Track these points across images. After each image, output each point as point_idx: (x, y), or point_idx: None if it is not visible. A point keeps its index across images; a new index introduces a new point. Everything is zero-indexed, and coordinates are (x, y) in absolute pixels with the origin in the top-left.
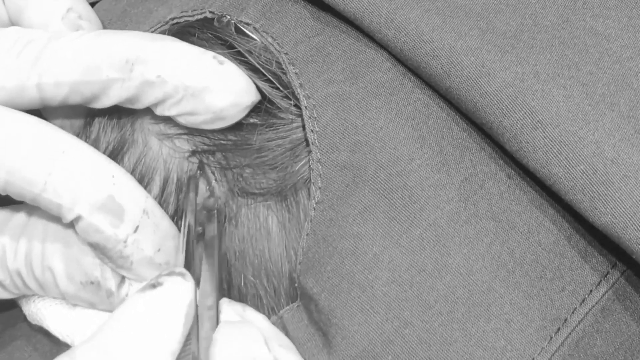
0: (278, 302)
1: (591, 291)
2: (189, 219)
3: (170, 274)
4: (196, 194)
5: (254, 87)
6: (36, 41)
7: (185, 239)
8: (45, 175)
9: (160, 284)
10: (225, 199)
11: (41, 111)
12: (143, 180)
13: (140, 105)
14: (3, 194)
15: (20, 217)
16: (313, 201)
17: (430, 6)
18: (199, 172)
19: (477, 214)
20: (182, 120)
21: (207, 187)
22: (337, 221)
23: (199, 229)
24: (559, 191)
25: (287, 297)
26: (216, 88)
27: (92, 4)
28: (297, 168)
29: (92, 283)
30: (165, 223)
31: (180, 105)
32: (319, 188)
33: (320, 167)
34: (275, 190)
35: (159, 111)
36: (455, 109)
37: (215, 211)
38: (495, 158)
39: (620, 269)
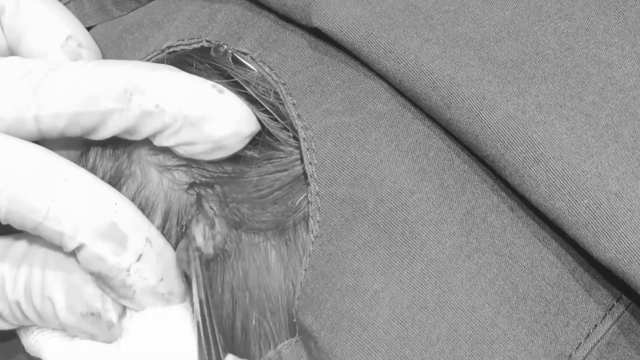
0: (281, 337)
1: (596, 325)
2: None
3: None
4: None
5: (254, 116)
6: (35, 72)
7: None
8: (48, 203)
9: None
10: (226, 234)
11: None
12: (143, 212)
13: (138, 136)
14: (4, 222)
15: (20, 245)
16: (312, 235)
17: (429, 36)
18: (197, 212)
19: (479, 248)
20: (181, 150)
21: (207, 225)
22: (336, 256)
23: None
24: (562, 225)
25: (289, 332)
26: (215, 117)
27: (88, 28)
28: (296, 202)
29: (92, 314)
30: (168, 252)
31: (179, 135)
32: (318, 222)
33: (318, 201)
34: (274, 224)
35: (157, 142)
36: (456, 141)
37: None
38: (497, 190)
39: (625, 302)
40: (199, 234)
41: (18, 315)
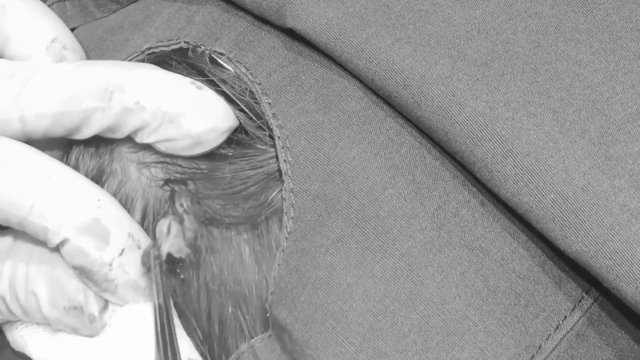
0: (255, 331)
1: (565, 317)
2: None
3: None
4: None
5: (231, 112)
6: (19, 74)
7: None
8: (32, 199)
9: None
10: (196, 229)
11: None
12: (124, 208)
13: (120, 134)
14: None
15: (5, 241)
16: (285, 231)
17: (401, 35)
18: (168, 208)
19: (450, 242)
20: (162, 147)
21: (176, 222)
22: (310, 251)
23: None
24: (530, 219)
25: (263, 326)
26: (194, 113)
27: (71, 30)
28: (269, 198)
29: (75, 308)
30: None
31: (159, 132)
32: (292, 218)
33: (292, 197)
34: (246, 220)
35: (139, 139)
36: (428, 138)
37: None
38: (468, 186)
39: (594, 294)
40: (161, 234)
41: (3, 310)
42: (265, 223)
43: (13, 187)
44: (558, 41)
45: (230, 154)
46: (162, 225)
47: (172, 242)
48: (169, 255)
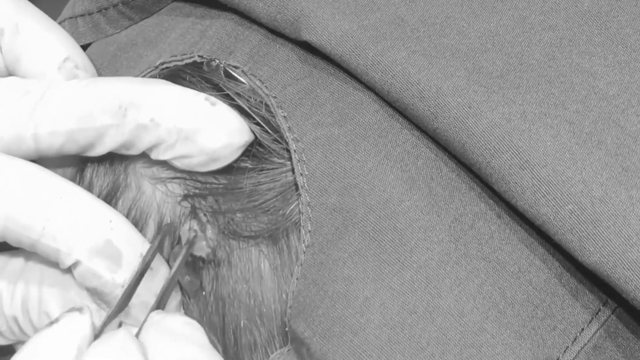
0: (272, 346)
1: (583, 329)
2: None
3: (70, 310)
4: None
5: (246, 127)
6: (33, 92)
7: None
8: (43, 221)
9: (56, 321)
10: (217, 242)
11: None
12: (137, 224)
13: (135, 150)
14: (1, 240)
15: (17, 262)
16: (303, 245)
17: (416, 47)
18: (190, 215)
19: (467, 254)
20: (177, 163)
21: (200, 230)
22: (327, 265)
23: (187, 277)
24: (548, 231)
25: (280, 341)
26: (209, 129)
27: (82, 47)
28: (288, 211)
29: None
30: (162, 267)
31: (175, 149)
32: (309, 231)
33: (309, 211)
34: (266, 233)
35: (154, 155)
36: (444, 149)
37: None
38: (485, 198)
39: (611, 306)
40: (185, 234)
41: (15, 330)
42: (285, 237)
43: (25, 209)
44: (572, 54)
45: (249, 166)
46: (186, 227)
47: (197, 245)
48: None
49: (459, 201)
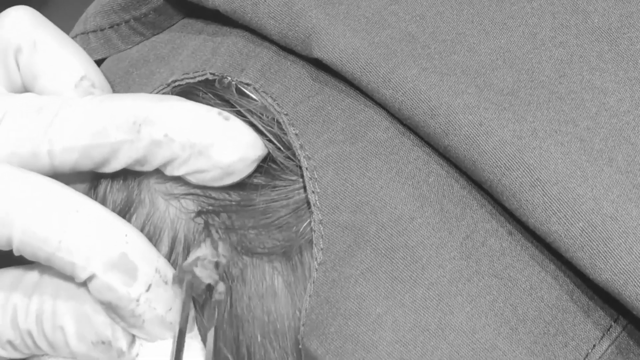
0: None
1: (594, 346)
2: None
3: None
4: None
5: (260, 141)
6: (48, 108)
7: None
8: (60, 234)
9: None
10: (231, 258)
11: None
12: (151, 240)
13: (149, 167)
14: (17, 254)
15: (32, 276)
16: (315, 262)
17: (427, 64)
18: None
19: (479, 271)
20: (192, 178)
21: (213, 248)
22: (339, 282)
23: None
24: (559, 248)
25: (294, 359)
26: (222, 144)
27: (97, 63)
28: (301, 229)
29: (103, 343)
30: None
31: (189, 164)
32: (321, 249)
33: (321, 228)
34: (280, 250)
35: (168, 171)
36: (455, 167)
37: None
38: (496, 215)
39: (622, 322)
40: (194, 259)
41: (30, 344)
42: (299, 255)
43: (41, 223)
44: (583, 70)
45: (262, 183)
46: (196, 251)
47: (203, 267)
48: (198, 279)
49: (470, 218)
